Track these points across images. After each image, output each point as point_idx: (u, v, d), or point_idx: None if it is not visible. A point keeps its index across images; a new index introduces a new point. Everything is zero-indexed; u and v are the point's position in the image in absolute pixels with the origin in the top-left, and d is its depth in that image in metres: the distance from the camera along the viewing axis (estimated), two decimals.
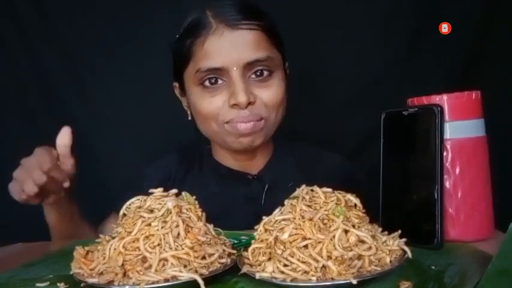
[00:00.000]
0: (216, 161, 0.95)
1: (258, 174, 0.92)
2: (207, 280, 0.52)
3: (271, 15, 0.88)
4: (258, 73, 0.83)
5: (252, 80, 0.83)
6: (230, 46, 0.81)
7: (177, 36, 0.87)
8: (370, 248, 0.52)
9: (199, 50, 0.82)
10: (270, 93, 0.83)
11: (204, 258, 0.55)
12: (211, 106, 0.83)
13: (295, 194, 0.59)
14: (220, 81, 0.82)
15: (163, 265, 0.52)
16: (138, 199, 0.60)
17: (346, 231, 0.52)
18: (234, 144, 0.85)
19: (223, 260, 0.56)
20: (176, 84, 0.92)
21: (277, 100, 0.84)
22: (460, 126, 0.67)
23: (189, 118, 0.91)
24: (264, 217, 0.58)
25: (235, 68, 0.80)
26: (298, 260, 0.51)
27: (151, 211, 0.57)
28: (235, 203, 0.90)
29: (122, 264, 0.52)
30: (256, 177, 0.92)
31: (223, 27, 0.81)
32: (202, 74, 0.82)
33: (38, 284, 0.58)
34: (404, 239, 0.56)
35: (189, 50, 0.84)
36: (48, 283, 0.58)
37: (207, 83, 0.83)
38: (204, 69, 0.81)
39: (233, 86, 0.80)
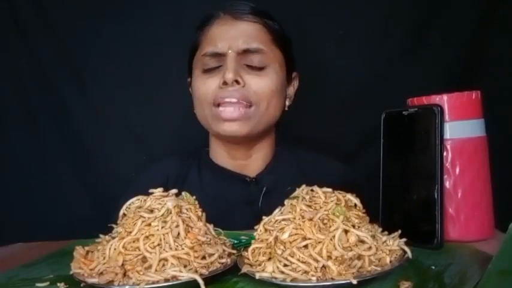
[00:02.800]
0: (214, 163, 0.95)
1: (257, 177, 0.92)
2: (207, 280, 0.52)
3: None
4: (254, 63, 0.87)
5: (245, 67, 0.87)
6: (230, 32, 0.87)
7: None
8: (370, 248, 0.52)
9: (205, 37, 0.89)
10: (261, 82, 0.86)
11: (204, 258, 0.55)
12: (205, 87, 0.87)
13: (295, 194, 0.59)
14: (219, 67, 0.87)
15: (163, 265, 0.52)
16: (138, 199, 0.60)
17: (346, 231, 0.52)
18: (220, 130, 0.87)
19: (223, 260, 0.56)
20: (189, 79, 0.95)
21: (268, 90, 0.87)
22: (460, 126, 0.67)
23: (195, 110, 0.93)
24: (264, 217, 0.58)
25: (230, 51, 0.85)
26: (298, 260, 0.51)
27: (151, 211, 0.57)
28: (233, 205, 0.90)
29: (122, 264, 0.52)
30: (255, 180, 0.92)
31: (228, 18, 0.88)
32: (205, 58, 0.88)
33: (38, 284, 0.58)
34: (404, 239, 0.56)
35: (198, 39, 0.91)
36: (48, 283, 0.58)
37: (208, 67, 0.88)
38: (207, 54, 0.87)
39: (225, 65, 0.85)
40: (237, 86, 0.85)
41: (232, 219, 0.82)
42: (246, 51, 0.86)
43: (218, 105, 0.86)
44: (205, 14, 0.92)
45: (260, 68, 0.87)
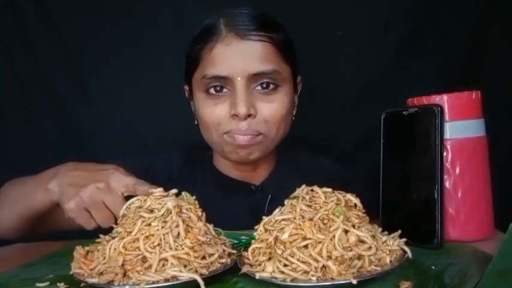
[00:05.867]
0: (217, 170, 0.93)
1: (261, 184, 0.91)
2: (207, 280, 0.52)
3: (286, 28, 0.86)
4: (264, 85, 0.81)
5: (256, 92, 0.81)
6: (237, 56, 0.80)
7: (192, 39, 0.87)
8: (370, 248, 0.52)
9: (207, 56, 0.81)
10: (272, 108, 0.82)
11: (204, 258, 0.55)
12: (214, 115, 0.82)
13: (295, 194, 0.59)
14: (225, 90, 0.82)
15: (163, 265, 0.52)
16: (138, 199, 0.60)
17: (346, 231, 0.52)
18: (231, 154, 0.84)
19: (223, 260, 0.56)
20: (186, 87, 0.91)
21: (279, 116, 0.83)
22: (460, 126, 0.67)
23: (196, 122, 0.90)
24: (264, 217, 0.58)
25: (239, 78, 0.79)
26: (298, 260, 0.51)
27: (152, 211, 0.57)
28: (238, 213, 0.88)
29: (122, 264, 0.52)
30: (260, 188, 0.91)
31: (232, 36, 0.80)
32: (208, 81, 0.81)
33: (38, 284, 0.58)
34: (404, 239, 0.56)
35: (198, 55, 0.83)
36: (48, 283, 0.58)
37: (212, 90, 0.82)
38: (209, 76, 0.81)
39: (235, 96, 0.80)
40: (249, 118, 0.81)
41: (237, 227, 0.81)
42: (256, 75, 0.80)
43: (227, 132, 0.83)
44: (205, 27, 0.83)
45: (271, 91, 0.82)
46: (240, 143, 0.82)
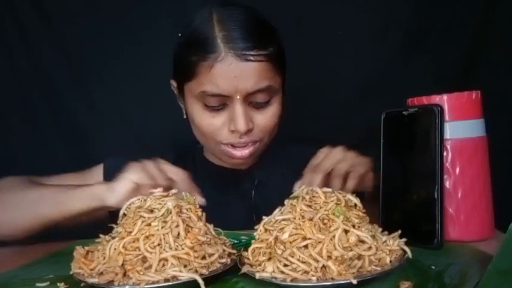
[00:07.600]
0: (208, 161, 0.96)
1: (249, 169, 0.94)
2: (207, 280, 0.52)
3: (270, 19, 0.85)
4: (260, 101, 0.83)
5: (251, 105, 0.83)
6: (236, 75, 0.80)
7: (180, 36, 0.86)
8: (370, 248, 0.52)
9: (206, 72, 0.80)
10: (266, 118, 0.84)
11: (204, 258, 0.55)
12: (212, 127, 0.84)
13: (295, 194, 0.59)
14: (223, 104, 0.83)
15: (164, 265, 0.52)
16: (138, 199, 0.60)
17: (346, 231, 0.52)
18: (226, 160, 0.88)
19: (223, 260, 0.56)
20: (174, 84, 0.91)
21: (272, 124, 0.86)
22: (460, 126, 0.67)
23: (184, 117, 0.91)
24: (264, 217, 0.58)
25: (238, 97, 0.81)
26: (298, 260, 0.51)
27: (152, 211, 0.57)
28: (228, 199, 0.91)
29: (122, 264, 0.53)
30: (247, 173, 0.93)
31: (232, 56, 0.79)
32: (208, 97, 0.82)
33: (38, 284, 0.58)
34: (404, 239, 0.56)
35: (195, 68, 0.82)
36: (48, 283, 0.58)
37: (210, 104, 0.83)
38: (209, 94, 0.81)
39: (234, 112, 0.81)
40: (248, 133, 0.83)
41: (227, 213, 0.82)
42: (252, 92, 0.81)
43: (226, 143, 0.85)
44: (199, 36, 0.81)
45: (265, 104, 0.84)
46: (240, 156, 0.84)
